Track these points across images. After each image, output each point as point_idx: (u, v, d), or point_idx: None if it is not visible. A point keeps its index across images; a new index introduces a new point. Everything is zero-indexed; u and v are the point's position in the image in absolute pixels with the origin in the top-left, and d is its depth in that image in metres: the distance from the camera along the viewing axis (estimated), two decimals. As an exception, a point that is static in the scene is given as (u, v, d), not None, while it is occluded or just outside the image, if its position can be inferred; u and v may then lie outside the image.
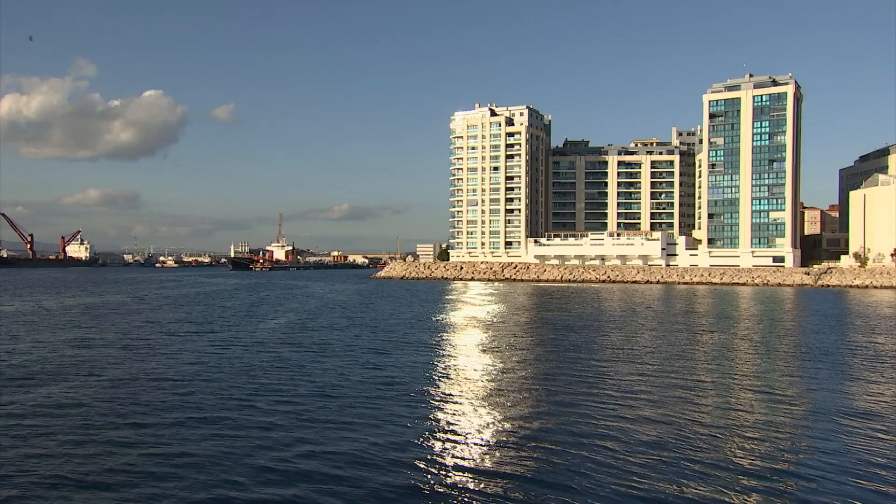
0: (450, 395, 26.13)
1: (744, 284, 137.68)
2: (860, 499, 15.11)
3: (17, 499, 14.85)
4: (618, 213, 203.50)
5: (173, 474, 16.41)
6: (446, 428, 20.95)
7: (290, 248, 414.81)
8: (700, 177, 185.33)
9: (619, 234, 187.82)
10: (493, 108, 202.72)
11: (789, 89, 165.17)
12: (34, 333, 45.81)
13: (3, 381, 28.13)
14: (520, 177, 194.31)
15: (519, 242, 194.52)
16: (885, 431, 20.66)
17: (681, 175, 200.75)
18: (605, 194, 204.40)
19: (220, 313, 64.74)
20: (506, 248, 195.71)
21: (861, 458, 18.04)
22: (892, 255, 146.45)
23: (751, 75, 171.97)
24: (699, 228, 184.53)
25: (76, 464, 17.14)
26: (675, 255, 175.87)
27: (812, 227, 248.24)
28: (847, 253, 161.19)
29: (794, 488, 15.80)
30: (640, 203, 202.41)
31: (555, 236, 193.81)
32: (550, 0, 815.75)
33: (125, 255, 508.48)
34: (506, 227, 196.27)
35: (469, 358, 35.89)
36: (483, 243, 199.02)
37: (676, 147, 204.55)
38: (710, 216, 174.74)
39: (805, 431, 20.97)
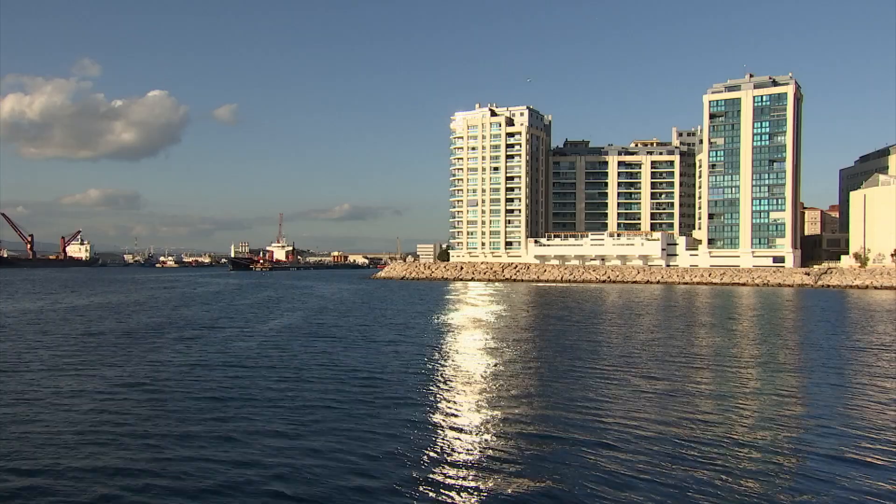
0: (450, 394, 26.07)
1: (744, 285, 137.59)
2: (861, 499, 15.08)
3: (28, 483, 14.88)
4: (618, 214, 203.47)
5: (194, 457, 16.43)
6: (447, 427, 20.89)
7: (291, 248, 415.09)
8: (700, 177, 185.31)
9: (619, 235, 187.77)
10: (494, 108, 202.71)
11: (789, 89, 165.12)
12: (61, 330, 45.80)
13: (46, 368, 28.23)
14: (520, 177, 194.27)
15: (519, 242, 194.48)
16: (886, 431, 20.61)
17: (681, 175, 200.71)
18: (606, 194, 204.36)
19: (231, 312, 64.75)
20: (506, 249, 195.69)
21: (862, 457, 18.00)
22: (892, 255, 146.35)
23: (751, 75, 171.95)
24: (699, 228, 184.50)
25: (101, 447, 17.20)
26: (676, 255, 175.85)
27: (812, 228, 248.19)
28: (847, 253, 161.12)
29: (795, 489, 15.74)
30: (640, 203, 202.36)
31: (555, 236, 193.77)
32: (550, 0, 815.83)
33: (125, 255, 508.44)
34: (506, 227, 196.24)
35: (469, 358, 35.83)
36: (483, 243, 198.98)
37: (676, 147, 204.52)
38: (711, 216, 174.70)
39: (806, 431, 20.91)
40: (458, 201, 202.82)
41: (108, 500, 14.89)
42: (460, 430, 20.62)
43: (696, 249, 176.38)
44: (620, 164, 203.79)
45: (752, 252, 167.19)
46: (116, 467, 16.97)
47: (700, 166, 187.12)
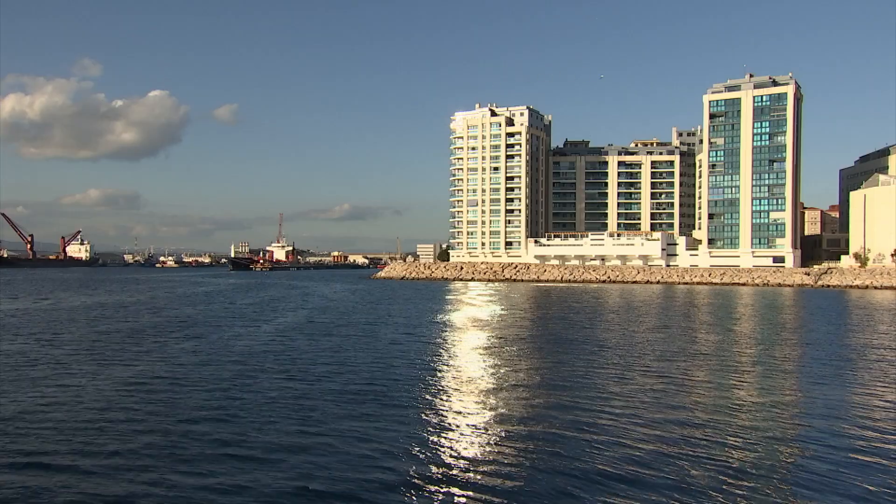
0: (453, 392, 26.17)
1: (744, 285, 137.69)
2: (861, 495, 15.18)
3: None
4: (618, 214, 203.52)
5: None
6: (450, 424, 21.00)
7: (291, 248, 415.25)
8: (700, 177, 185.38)
9: (619, 235, 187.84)
10: (494, 108, 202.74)
11: (789, 89, 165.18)
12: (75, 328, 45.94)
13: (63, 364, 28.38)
14: (520, 177, 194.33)
15: (519, 243, 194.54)
16: (886, 431, 20.71)
17: (681, 175, 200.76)
18: (606, 194, 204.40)
19: (233, 311, 64.98)
20: (506, 249, 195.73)
21: (860, 457, 18.09)
22: (892, 255, 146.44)
23: (751, 75, 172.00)
24: (699, 228, 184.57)
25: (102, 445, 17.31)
26: (676, 255, 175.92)
27: (812, 228, 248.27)
28: (847, 253, 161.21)
29: (796, 486, 15.84)
30: (640, 203, 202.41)
31: (555, 236, 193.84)
32: (550, 0, 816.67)
33: (125, 256, 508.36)
34: (506, 227, 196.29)
35: (471, 357, 35.94)
36: (483, 243, 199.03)
37: (676, 147, 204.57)
38: (711, 216, 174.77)
39: (806, 429, 21.02)
40: (458, 201, 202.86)
41: (118, 494, 15.00)
42: (464, 427, 20.72)
43: (696, 249, 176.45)
44: (620, 164, 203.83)
45: (752, 252, 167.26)
46: (127, 463, 17.10)
47: (700, 166, 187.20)
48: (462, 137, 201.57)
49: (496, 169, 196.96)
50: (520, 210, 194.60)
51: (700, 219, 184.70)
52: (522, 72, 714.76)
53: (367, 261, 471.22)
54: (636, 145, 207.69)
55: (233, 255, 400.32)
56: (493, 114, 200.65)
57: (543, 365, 33.54)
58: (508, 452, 18.33)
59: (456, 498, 15.06)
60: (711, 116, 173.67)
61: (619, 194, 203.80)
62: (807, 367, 33.32)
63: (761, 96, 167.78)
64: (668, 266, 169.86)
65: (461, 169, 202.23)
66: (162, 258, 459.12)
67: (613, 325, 54.49)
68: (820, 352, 38.81)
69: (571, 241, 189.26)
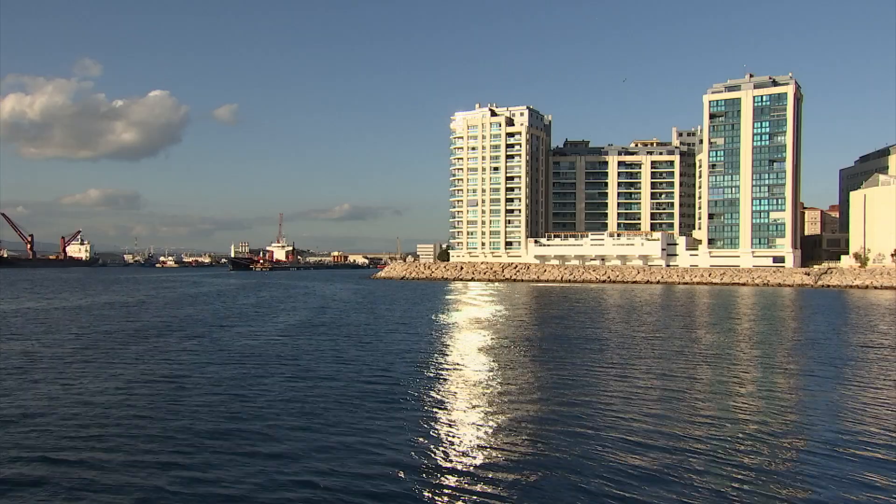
0: (455, 392, 26.27)
1: (744, 285, 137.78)
2: (860, 494, 15.27)
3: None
4: (618, 214, 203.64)
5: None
6: (451, 426, 21.11)
7: (291, 248, 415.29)
8: (700, 177, 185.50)
9: (619, 235, 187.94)
10: (494, 108, 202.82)
11: (789, 89, 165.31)
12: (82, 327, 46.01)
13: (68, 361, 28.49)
14: (520, 177, 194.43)
15: (519, 243, 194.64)
16: (887, 430, 20.81)
17: (681, 175, 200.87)
18: (606, 194, 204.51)
19: (234, 311, 65.06)
20: (506, 249, 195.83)
21: (860, 457, 18.19)
22: (892, 255, 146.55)
23: (751, 75, 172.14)
24: (699, 228, 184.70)
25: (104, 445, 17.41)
26: (676, 255, 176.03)
27: (812, 228, 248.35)
28: (847, 253, 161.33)
29: (795, 486, 15.94)
30: (640, 203, 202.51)
31: (555, 236, 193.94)
32: (550, 0, 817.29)
33: (125, 255, 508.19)
34: (506, 227, 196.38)
35: (473, 357, 36.03)
36: (483, 243, 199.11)
37: (676, 147, 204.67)
38: (711, 216, 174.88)
39: (806, 428, 21.13)
40: (458, 201, 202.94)
41: (125, 493, 15.10)
42: (469, 426, 20.83)
43: (696, 249, 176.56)
44: (620, 164, 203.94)
45: (752, 252, 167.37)
46: (133, 461, 17.21)
47: (700, 166, 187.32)
48: (462, 137, 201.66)
49: (496, 169, 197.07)
50: (520, 210, 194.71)
51: (700, 219, 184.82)
52: (522, 72, 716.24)
53: (367, 261, 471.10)
54: (636, 145, 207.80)
55: (233, 255, 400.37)
56: (493, 114, 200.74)
57: (545, 364, 33.63)
58: (513, 450, 18.43)
59: (463, 494, 15.17)
60: (711, 116, 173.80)
61: (619, 194, 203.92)
62: (807, 367, 33.42)
63: (761, 96, 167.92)
64: (668, 266, 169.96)
65: (461, 169, 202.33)
66: (162, 258, 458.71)
67: (614, 325, 54.59)
68: (820, 352, 38.91)
69: (571, 241, 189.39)
